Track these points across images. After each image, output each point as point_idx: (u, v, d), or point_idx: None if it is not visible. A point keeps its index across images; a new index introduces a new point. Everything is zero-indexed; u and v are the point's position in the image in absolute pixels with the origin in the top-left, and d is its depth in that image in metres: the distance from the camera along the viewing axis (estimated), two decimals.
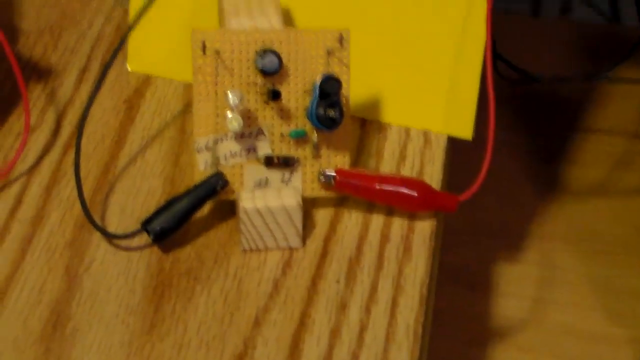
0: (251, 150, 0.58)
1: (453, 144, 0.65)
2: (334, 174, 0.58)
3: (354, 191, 0.59)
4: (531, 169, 0.94)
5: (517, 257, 0.90)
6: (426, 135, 0.64)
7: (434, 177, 0.62)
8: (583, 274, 0.89)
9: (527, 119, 0.97)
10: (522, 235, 0.91)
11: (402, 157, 0.63)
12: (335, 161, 0.59)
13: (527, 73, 0.81)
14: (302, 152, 0.58)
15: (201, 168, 0.58)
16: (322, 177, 0.58)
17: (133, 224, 0.58)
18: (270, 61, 0.57)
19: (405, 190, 0.58)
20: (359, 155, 0.63)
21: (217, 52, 0.57)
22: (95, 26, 0.71)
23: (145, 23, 0.61)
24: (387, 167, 0.62)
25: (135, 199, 0.60)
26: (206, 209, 0.59)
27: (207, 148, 0.57)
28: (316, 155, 0.59)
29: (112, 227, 0.58)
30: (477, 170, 0.59)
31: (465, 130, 0.65)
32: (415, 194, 0.58)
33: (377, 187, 0.58)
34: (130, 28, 0.60)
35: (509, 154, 0.95)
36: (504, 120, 0.96)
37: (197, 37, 0.57)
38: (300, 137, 0.58)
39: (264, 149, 0.58)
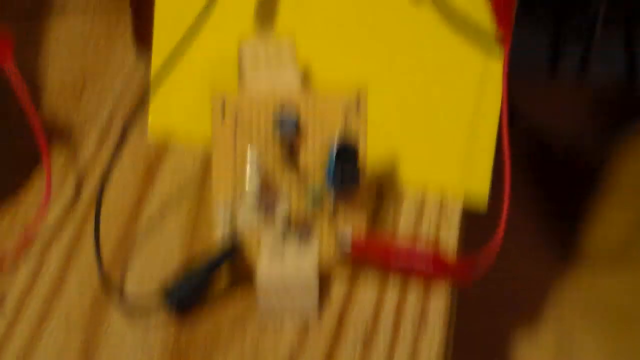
0: (269, 210, 0.58)
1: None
2: (350, 239, 0.59)
3: (370, 257, 0.59)
4: (549, 231, 0.94)
5: (534, 327, 0.89)
6: (442, 200, 0.65)
7: (449, 242, 0.62)
8: (602, 346, 0.89)
9: (545, 181, 0.97)
10: (540, 304, 0.90)
11: (418, 221, 0.64)
12: (352, 226, 0.59)
13: (544, 133, 0.81)
14: (319, 214, 0.59)
15: (219, 231, 0.58)
16: (338, 243, 0.59)
17: (151, 290, 0.59)
18: (288, 122, 0.57)
19: (421, 256, 0.59)
20: (375, 218, 0.63)
21: (236, 114, 0.58)
22: (117, 86, 0.72)
23: (166, 83, 0.62)
24: (402, 231, 0.63)
25: (153, 263, 0.61)
26: (223, 273, 0.59)
27: (225, 210, 0.58)
28: (333, 217, 0.59)
29: (130, 293, 0.59)
30: (493, 228, 0.59)
31: (481, 188, 0.65)
32: (431, 259, 0.59)
33: (393, 252, 0.59)
34: (151, 88, 0.61)
35: (526, 217, 0.95)
36: (521, 180, 0.96)
37: (217, 98, 0.57)
38: (317, 199, 0.59)
39: (281, 209, 0.59)
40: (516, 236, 0.90)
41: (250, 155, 0.57)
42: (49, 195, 0.61)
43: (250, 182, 0.57)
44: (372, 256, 0.60)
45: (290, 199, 0.59)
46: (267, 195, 0.58)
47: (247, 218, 0.58)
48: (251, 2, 0.65)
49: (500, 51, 0.64)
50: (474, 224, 0.70)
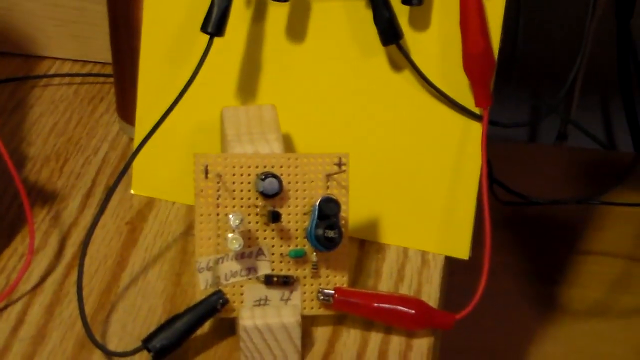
0: (251, 269, 0.59)
1: (451, 264, 0.66)
2: (332, 292, 0.59)
3: (353, 309, 0.59)
4: (529, 290, 0.94)
5: None
6: (424, 256, 0.65)
7: (431, 296, 0.62)
8: None
9: (524, 241, 0.98)
10: (521, 357, 0.90)
11: (400, 277, 0.64)
12: (334, 281, 0.60)
13: (524, 196, 0.82)
14: (302, 272, 0.59)
15: (202, 287, 0.58)
16: (321, 296, 0.59)
17: (134, 343, 0.58)
18: (270, 184, 0.58)
19: (402, 308, 0.59)
20: (357, 275, 0.64)
21: (219, 176, 0.58)
22: (100, 152, 0.73)
23: (150, 149, 0.63)
24: (385, 286, 0.63)
25: (136, 318, 0.61)
26: (206, 327, 0.59)
27: (208, 268, 0.58)
28: (315, 274, 0.59)
29: (113, 346, 0.59)
30: (474, 290, 0.60)
31: (461, 250, 0.65)
32: (413, 312, 0.59)
33: (375, 305, 0.59)
34: (134, 153, 0.62)
35: (506, 275, 0.95)
36: (501, 242, 0.97)
37: (200, 161, 0.58)
38: (299, 257, 0.59)
39: (264, 268, 0.59)
40: (498, 293, 0.90)
41: (232, 217, 0.57)
42: (31, 253, 0.62)
43: (232, 244, 0.57)
44: (354, 312, 0.60)
45: (273, 256, 0.59)
46: (249, 253, 0.59)
47: (230, 274, 0.58)
48: (233, 74, 0.66)
49: (479, 121, 0.65)
50: (456, 288, 0.70)
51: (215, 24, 0.62)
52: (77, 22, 0.81)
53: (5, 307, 0.61)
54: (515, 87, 0.75)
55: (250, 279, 0.59)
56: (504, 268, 0.94)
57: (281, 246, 0.59)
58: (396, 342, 0.60)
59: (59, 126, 0.75)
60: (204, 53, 0.62)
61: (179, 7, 0.66)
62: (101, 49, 0.81)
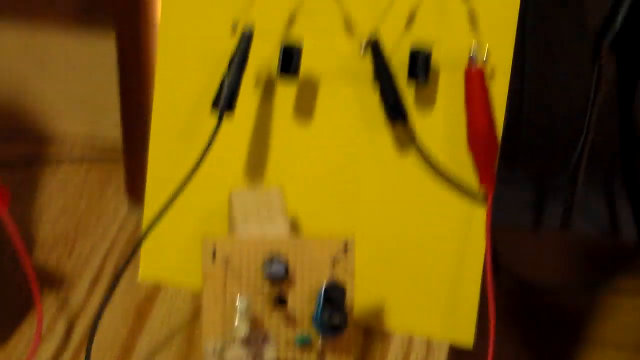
0: (257, 355, 0.59)
1: (455, 354, 0.66)
2: None
3: None
4: None
5: None
6: (428, 344, 0.65)
7: None
8: None
9: (530, 331, 0.97)
10: None
11: None
12: None
13: (529, 284, 0.81)
14: (307, 357, 0.59)
15: None
16: None
17: None
18: (276, 269, 0.58)
19: None
20: (362, 359, 0.64)
21: (227, 259, 0.58)
22: (109, 235, 0.73)
23: (158, 232, 0.63)
24: None
25: None
26: None
27: (214, 352, 0.58)
28: (321, 359, 0.59)
29: None
30: None
31: (465, 337, 0.65)
32: None
33: None
34: (142, 237, 0.62)
35: None
36: (506, 331, 0.96)
37: (208, 245, 0.58)
38: (305, 343, 0.59)
39: (270, 354, 0.59)
40: None
41: (239, 301, 0.58)
42: (39, 339, 0.61)
43: (238, 328, 0.57)
44: None
45: (279, 342, 0.59)
46: (256, 338, 0.59)
47: (236, 359, 0.58)
48: (242, 154, 0.67)
49: (483, 202, 0.65)
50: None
51: (226, 100, 0.62)
52: (87, 101, 0.82)
53: None
54: (518, 178, 0.75)
55: None
56: (509, 359, 0.93)
57: (287, 331, 0.59)
58: None
59: (68, 207, 0.76)
60: (214, 129, 0.62)
61: (189, 86, 0.66)
62: (113, 127, 0.81)
